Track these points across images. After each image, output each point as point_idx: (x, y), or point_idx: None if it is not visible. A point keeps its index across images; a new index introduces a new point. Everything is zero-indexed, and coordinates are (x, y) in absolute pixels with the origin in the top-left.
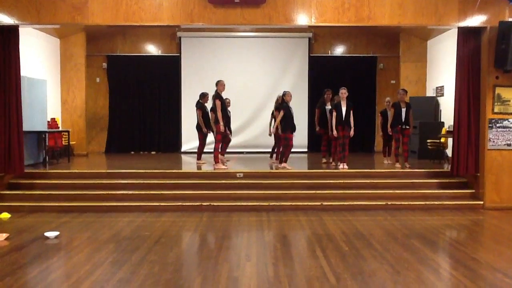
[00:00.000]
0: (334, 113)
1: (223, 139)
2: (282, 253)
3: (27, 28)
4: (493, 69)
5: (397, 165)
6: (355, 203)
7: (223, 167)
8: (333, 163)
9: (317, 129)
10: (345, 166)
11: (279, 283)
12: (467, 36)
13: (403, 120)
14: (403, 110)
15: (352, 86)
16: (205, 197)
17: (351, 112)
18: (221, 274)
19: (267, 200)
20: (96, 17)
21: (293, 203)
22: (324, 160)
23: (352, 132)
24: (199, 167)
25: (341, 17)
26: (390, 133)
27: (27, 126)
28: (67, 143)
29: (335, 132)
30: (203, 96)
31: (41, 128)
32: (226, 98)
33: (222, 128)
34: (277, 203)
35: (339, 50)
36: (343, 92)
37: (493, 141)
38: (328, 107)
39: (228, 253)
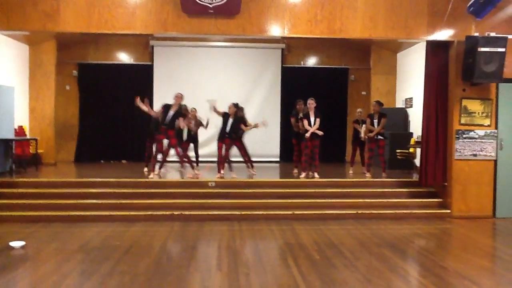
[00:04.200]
0: (305, 122)
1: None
2: (253, 262)
3: None
4: (460, 82)
5: (367, 174)
6: (326, 212)
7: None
8: (296, 171)
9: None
10: (316, 175)
11: None
12: (435, 50)
13: None
14: (375, 121)
15: (324, 97)
16: (176, 207)
17: (318, 122)
18: (192, 284)
19: (239, 209)
20: (68, 24)
21: (265, 212)
22: (295, 170)
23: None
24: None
25: (313, 29)
26: (363, 139)
27: None
28: (35, 152)
29: (307, 127)
30: None
31: (8, 135)
32: (193, 108)
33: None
34: (249, 212)
35: (311, 61)
36: (311, 103)
37: (460, 152)
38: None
39: (199, 263)
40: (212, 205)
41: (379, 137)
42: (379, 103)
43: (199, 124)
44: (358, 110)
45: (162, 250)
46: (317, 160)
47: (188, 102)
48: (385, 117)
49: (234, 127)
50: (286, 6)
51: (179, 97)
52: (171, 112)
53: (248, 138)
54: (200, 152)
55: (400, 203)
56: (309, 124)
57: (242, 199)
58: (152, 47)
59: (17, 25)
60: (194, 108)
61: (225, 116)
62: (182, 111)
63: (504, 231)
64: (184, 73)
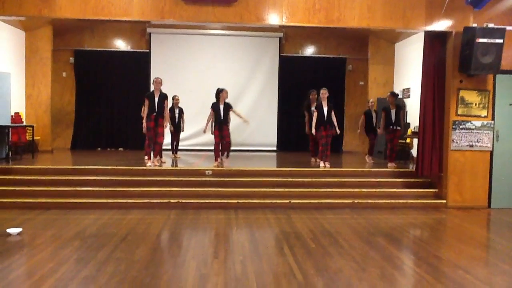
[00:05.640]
0: (316, 114)
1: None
2: (249, 250)
3: None
4: (457, 73)
5: (389, 164)
6: (322, 201)
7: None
8: (314, 160)
9: (307, 130)
10: (327, 165)
11: (247, 280)
12: (433, 40)
13: (393, 121)
14: (392, 111)
15: (321, 87)
16: (173, 195)
17: (332, 112)
18: (189, 272)
19: (236, 197)
20: (64, 10)
21: (262, 201)
22: (313, 160)
23: (337, 130)
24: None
25: (311, 18)
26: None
27: None
28: (31, 139)
29: (314, 131)
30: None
31: (4, 122)
32: (175, 96)
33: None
34: (246, 201)
35: (309, 51)
36: (324, 93)
37: (456, 142)
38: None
39: (196, 251)
40: (209, 193)
41: (397, 127)
42: (394, 94)
43: (180, 112)
44: (371, 100)
45: (159, 238)
46: (329, 150)
47: (185, 90)
48: (403, 109)
49: (226, 113)
50: None
51: (158, 82)
52: (156, 99)
53: (245, 127)
54: (196, 141)
55: (396, 193)
56: (322, 115)
57: (238, 188)
58: (150, 34)
59: (12, 10)
60: (176, 96)
61: (214, 106)
62: (165, 95)
63: (499, 221)
64: (182, 60)
